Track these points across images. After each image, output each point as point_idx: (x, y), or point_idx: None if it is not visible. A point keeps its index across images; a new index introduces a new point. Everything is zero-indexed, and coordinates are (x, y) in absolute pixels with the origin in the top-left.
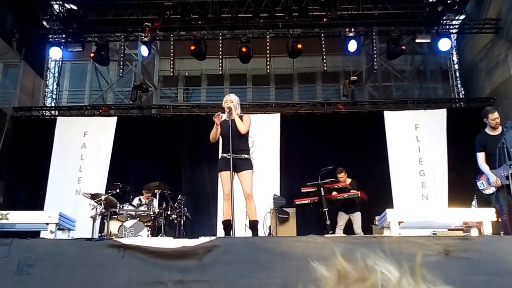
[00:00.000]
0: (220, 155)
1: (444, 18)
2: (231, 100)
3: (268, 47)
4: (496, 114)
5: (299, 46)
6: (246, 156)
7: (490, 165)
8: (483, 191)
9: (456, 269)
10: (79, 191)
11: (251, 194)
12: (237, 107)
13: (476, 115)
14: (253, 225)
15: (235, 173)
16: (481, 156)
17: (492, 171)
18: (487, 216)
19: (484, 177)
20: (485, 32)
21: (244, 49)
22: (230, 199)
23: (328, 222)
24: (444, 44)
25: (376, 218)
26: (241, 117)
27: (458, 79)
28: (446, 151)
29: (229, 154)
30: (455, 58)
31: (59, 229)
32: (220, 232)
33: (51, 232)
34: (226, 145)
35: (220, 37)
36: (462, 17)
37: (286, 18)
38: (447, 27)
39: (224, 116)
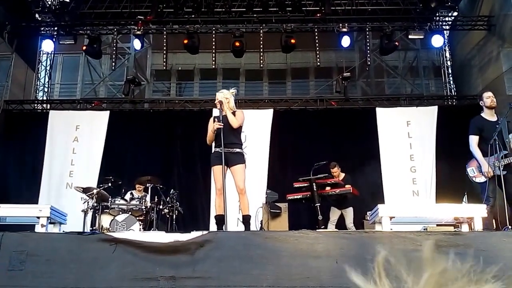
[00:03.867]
0: (213, 149)
1: (437, 14)
2: (225, 97)
3: (261, 42)
4: (490, 93)
5: (293, 41)
6: (238, 150)
7: (483, 151)
8: (473, 179)
9: None
10: (70, 185)
11: (244, 188)
12: (230, 101)
13: (467, 113)
14: (246, 219)
15: (227, 168)
16: (474, 140)
17: (484, 158)
18: (478, 212)
19: (474, 163)
20: (478, 29)
21: (237, 44)
22: (223, 194)
23: (320, 217)
24: (437, 41)
25: (368, 213)
26: (234, 113)
27: (450, 75)
28: (434, 148)
29: (221, 148)
30: (448, 55)
31: (50, 222)
32: (213, 226)
33: (42, 226)
34: (219, 139)
35: (213, 31)
36: (455, 13)
37: (279, 13)
38: (440, 23)
39: (216, 112)
